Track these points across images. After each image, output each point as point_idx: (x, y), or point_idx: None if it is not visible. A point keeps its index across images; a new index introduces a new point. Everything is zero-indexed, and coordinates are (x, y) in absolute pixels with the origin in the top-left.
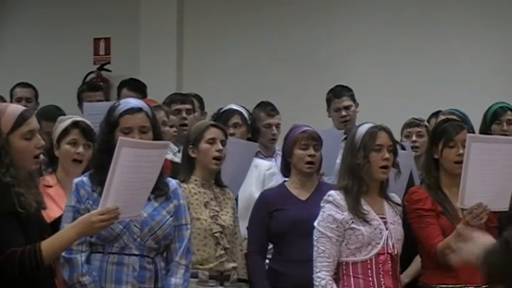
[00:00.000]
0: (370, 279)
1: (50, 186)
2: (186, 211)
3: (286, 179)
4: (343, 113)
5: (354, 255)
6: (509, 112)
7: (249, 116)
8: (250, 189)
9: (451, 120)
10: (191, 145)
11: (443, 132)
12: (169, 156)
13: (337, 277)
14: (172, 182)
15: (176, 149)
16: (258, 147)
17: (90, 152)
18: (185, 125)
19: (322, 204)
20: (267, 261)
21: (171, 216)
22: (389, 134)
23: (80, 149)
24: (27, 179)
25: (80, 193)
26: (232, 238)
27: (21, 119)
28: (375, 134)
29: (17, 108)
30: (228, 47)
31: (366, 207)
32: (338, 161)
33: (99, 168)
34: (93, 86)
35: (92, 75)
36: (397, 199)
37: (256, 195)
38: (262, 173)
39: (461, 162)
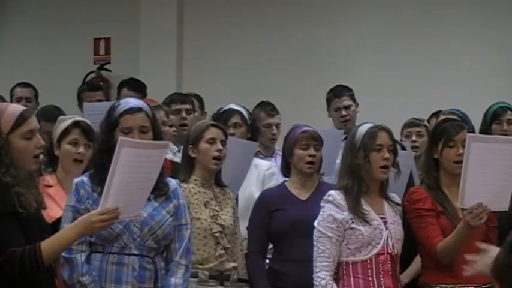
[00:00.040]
0: (370, 279)
1: (50, 186)
2: (186, 211)
3: (286, 178)
4: (343, 112)
5: (353, 255)
6: (509, 112)
7: (249, 116)
8: (250, 189)
9: (451, 120)
10: (191, 145)
11: (443, 132)
12: (169, 156)
13: (337, 277)
14: (172, 182)
15: (176, 148)
16: (258, 147)
17: (90, 152)
18: (185, 125)
19: (322, 204)
20: (267, 261)
21: (171, 216)
22: (389, 134)
23: (81, 149)
24: (27, 179)
25: (79, 193)
26: (232, 238)
27: (21, 119)
28: (375, 134)
29: (17, 108)
30: (228, 47)
31: (366, 207)
32: (338, 161)
33: (99, 168)
34: (93, 86)
35: (92, 75)
36: (397, 199)
37: (256, 195)
38: (262, 173)
39: (461, 162)
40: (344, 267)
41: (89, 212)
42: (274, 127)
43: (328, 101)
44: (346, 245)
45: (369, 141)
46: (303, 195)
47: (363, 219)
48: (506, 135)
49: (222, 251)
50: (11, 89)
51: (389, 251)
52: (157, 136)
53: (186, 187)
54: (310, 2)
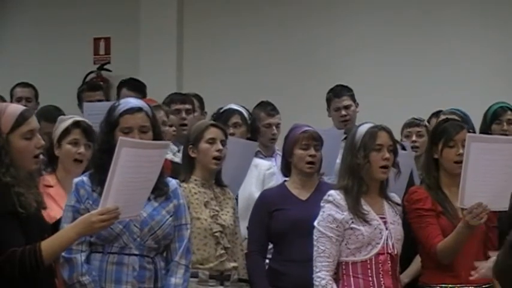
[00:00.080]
0: (370, 279)
1: (50, 186)
2: (186, 211)
3: (286, 178)
4: (343, 112)
5: (353, 255)
6: (509, 112)
7: (249, 116)
8: (250, 189)
9: (451, 120)
10: (191, 145)
11: (443, 132)
12: (169, 156)
13: (337, 277)
14: (172, 182)
15: (176, 148)
16: (258, 147)
17: (90, 152)
18: (185, 125)
19: (322, 204)
20: (267, 261)
21: (170, 216)
22: (389, 133)
23: (81, 149)
24: (27, 179)
25: (79, 193)
26: (232, 238)
27: (21, 119)
28: (375, 134)
29: (17, 108)
30: (228, 47)
31: (365, 207)
32: (338, 160)
33: (99, 168)
34: (93, 86)
35: (92, 75)
36: (397, 199)
37: (256, 195)
38: (262, 173)
39: (461, 162)
40: (344, 267)
41: (88, 212)
42: (274, 127)
43: (328, 101)
44: (346, 245)
45: (369, 141)
46: (303, 195)
47: (363, 219)
48: (506, 135)
49: (222, 251)
50: (11, 89)
51: (389, 251)
52: (157, 136)
53: (186, 187)
54: (310, 2)
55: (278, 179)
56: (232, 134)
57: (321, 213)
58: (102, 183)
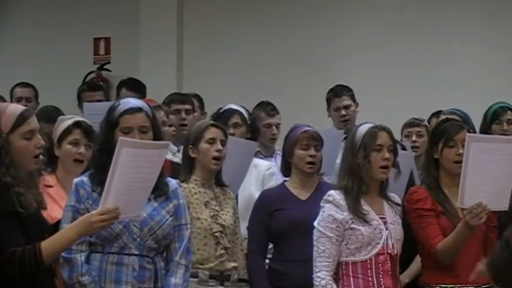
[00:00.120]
0: (370, 279)
1: (50, 186)
2: (186, 211)
3: (286, 178)
4: (343, 112)
5: (353, 255)
6: (509, 112)
7: (249, 116)
8: (250, 189)
9: (451, 120)
10: (191, 145)
11: (443, 132)
12: (169, 156)
13: (337, 277)
14: (172, 182)
15: (175, 148)
16: (258, 147)
17: (91, 152)
18: (184, 125)
19: (322, 204)
20: (267, 261)
21: (170, 216)
22: (389, 134)
23: (82, 149)
24: (27, 179)
25: (79, 193)
26: (232, 238)
27: (22, 119)
28: (375, 134)
29: (17, 108)
30: (228, 47)
31: (365, 207)
32: (338, 160)
33: (99, 168)
34: (93, 86)
35: (92, 75)
36: (397, 199)
37: (256, 195)
38: (261, 173)
39: (461, 162)
40: (344, 267)
41: (88, 212)
42: (274, 127)
43: (328, 100)
44: (346, 245)
45: (369, 141)
46: (303, 195)
47: (363, 219)
48: (506, 135)
49: (223, 251)
50: (11, 89)
51: (389, 251)
52: (157, 136)
53: (186, 187)
54: (310, 2)
55: (278, 179)
56: (232, 134)
57: (320, 213)
58: (102, 183)
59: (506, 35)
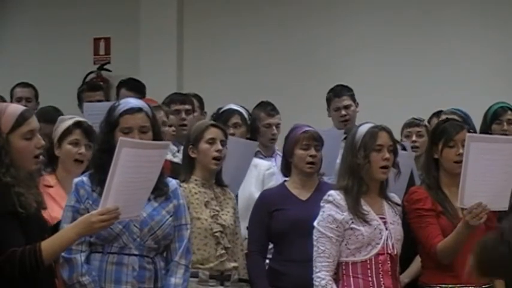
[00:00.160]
0: (370, 279)
1: (50, 186)
2: (186, 211)
3: (286, 178)
4: (343, 112)
5: (353, 255)
6: (509, 112)
7: (248, 116)
8: (250, 189)
9: (451, 120)
10: (191, 145)
11: (443, 132)
12: (168, 157)
13: (337, 277)
14: (172, 182)
15: (175, 149)
16: (258, 147)
17: (91, 152)
18: (184, 125)
19: (322, 204)
20: (267, 261)
21: (170, 216)
22: (389, 134)
23: (82, 149)
24: (27, 179)
25: (79, 193)
26: (233, 238)
27: (22, 119)
28: (376, 134)
29: (17, 108)
30: (228, 47)
31: (365, 207)
32: (338, 160)
33: (99, 168)
34: (93, 86)
35: (92, 75)
36: (397, 199)
37: (256, 195)
38: (261, 173)
39: (461, 161)
40: (344, 267)
41: (88, 212)
42: (274, 127)
43: (328, 100)
44: (346, 245)
45: (369, 141)
46: (303, 195)
47: (363, 219)
48: (506, 135)
49: (223, 251)
50: (11, 89)
51: (389, 251)
52: (157, 136)
53: (186, 187)
54: (310, 2)
55: (278, 179)
56: (232, 134)
57: (320, 213)
58: (102, 183)
59: (506, 35)
